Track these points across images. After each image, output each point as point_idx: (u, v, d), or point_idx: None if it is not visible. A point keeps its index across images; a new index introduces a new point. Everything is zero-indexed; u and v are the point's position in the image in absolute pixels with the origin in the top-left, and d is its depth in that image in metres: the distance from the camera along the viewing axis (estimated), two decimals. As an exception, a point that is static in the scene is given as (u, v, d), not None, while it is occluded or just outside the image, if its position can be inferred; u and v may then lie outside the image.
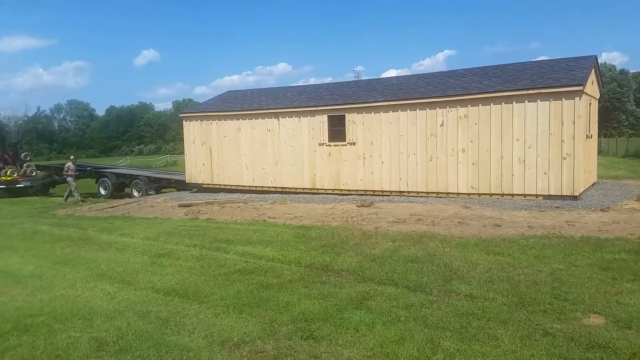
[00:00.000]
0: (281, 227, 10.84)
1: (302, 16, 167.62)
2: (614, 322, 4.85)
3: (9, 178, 23.95)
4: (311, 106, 16.05)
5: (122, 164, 45.42)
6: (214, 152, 18.19)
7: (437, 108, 13.79)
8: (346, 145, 15.41)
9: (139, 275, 7.58)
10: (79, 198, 19.59)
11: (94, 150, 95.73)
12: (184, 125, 19.09)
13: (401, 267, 7.07)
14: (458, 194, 13.62)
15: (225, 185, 18.08)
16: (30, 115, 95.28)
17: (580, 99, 12.04)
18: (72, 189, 19.73)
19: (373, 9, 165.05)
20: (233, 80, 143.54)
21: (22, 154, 26.64)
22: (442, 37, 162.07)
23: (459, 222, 10.19)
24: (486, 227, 9.68)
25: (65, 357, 4.74)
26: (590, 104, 14.04)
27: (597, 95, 15.64)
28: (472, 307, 5.44)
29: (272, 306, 5.80)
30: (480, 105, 13.16)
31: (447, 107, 13.64)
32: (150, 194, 19.43)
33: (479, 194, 13.33)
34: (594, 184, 15.24)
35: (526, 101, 12.54)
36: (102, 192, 21.33)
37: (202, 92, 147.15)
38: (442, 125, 13.75)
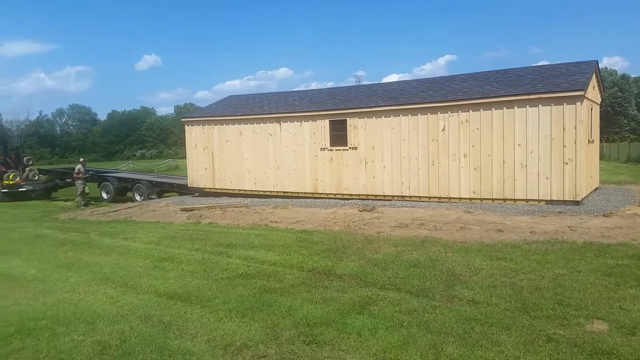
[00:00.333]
0: (283, 232, 10.84)
1: (304, 21, 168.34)
2: (617, 328, 4.84)
3: (11, 182, 24.03)
4: (313, 111, 16.08)
5: (124, 168, 45.47)
6: (216, 156, 18.22)
7: (439, 113, 13.81)
8: (348, 149, 15.43)
9: (142, 279, 7.58)
10: (82, 202, 19.64)
11: (96, 154, 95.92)
12: (185, 129, 19.13)
13: (403, 272, 7.07)
14: (460, 198, 13.62)
15: (227, 189, 18.10)
16: (32, 120, 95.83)
17: (581, 104, 12.05)
18: (79, 192, 19.81)
19: (374, 14, 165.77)
20: (235, 85, 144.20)
21: (25, 158, 26.76)
22: (443, 42, 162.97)
23: (461, 227, 10.19)
24: (488, 232, 9.68)
25: (68, 361, 4.74)
26: (591, 108, 14.04)
27: (599, 100, 15.65)
28: (475, 312, 5.44)
29: (274, 310, 5.80)
30: (481, 110, 13.17)
31: (449, 112, 13.66)
32: (152, 198, 19.47)
33: (481, 199, 13.32)
34: (596, 189, 15.23)
35: (527, 106, 12.55)
36: (105, 196, 21.38)
37: (203, 96, 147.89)
38: (443, 130, 13.76)
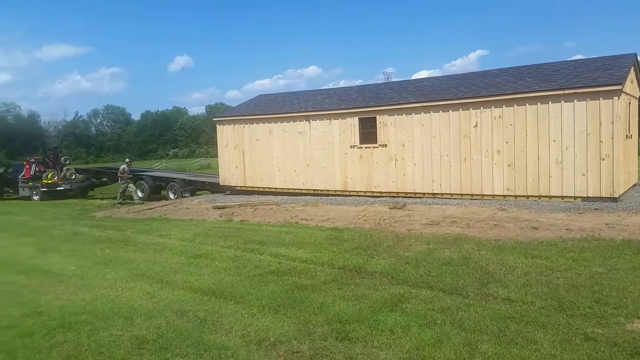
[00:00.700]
0: (314, 229, 10.89)
1: (331, 19, 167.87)
2: (659, 328, 4.71)
3: (50, 181, 24.78)
4: (342, 108, 16.07)
5: (157, 167, 46.37)
6: (247, 155, 18.41)
7: (471, 109, 13.63)
8: (377, 147, 15.37)
9: (177, 275, 7.75)
10: (120, 200, 20.06)
11: (131, 153, 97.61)
12: (217, 129, 19.39)
13: (436, 270, 7.02)
14: (493, 195, 13.41)
15: (258, 187, 18.27)
16: (68, 121, 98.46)
17: (618, 99, 11.71)
18: (120, 191, 20.27)
19: (402, 11, 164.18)
20: (264, 84, 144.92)
21: (62, 158, 27.51)
22: (474, 37, 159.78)
23: (494, 225, 10.04)
24: (523, 229, 9.51)
25: (109, 354, 4.89)
26: (629, 103, 13.63)
27: (638, 94, 15.16)
28: (509, 310, 5.37)
29: (306, 307, 5.84)
30: (515, 105, 12.94)
31: (481, 108, 13.45)
32: (185, 196, 19.80)
33: (515, 196, 13.09)
34: (634, 186, 14.78)
35: (562, 101, 12.27)
36: (140, 194, 21.85)
37: (233, 95, 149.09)
38: (475, 126, 13.57)
